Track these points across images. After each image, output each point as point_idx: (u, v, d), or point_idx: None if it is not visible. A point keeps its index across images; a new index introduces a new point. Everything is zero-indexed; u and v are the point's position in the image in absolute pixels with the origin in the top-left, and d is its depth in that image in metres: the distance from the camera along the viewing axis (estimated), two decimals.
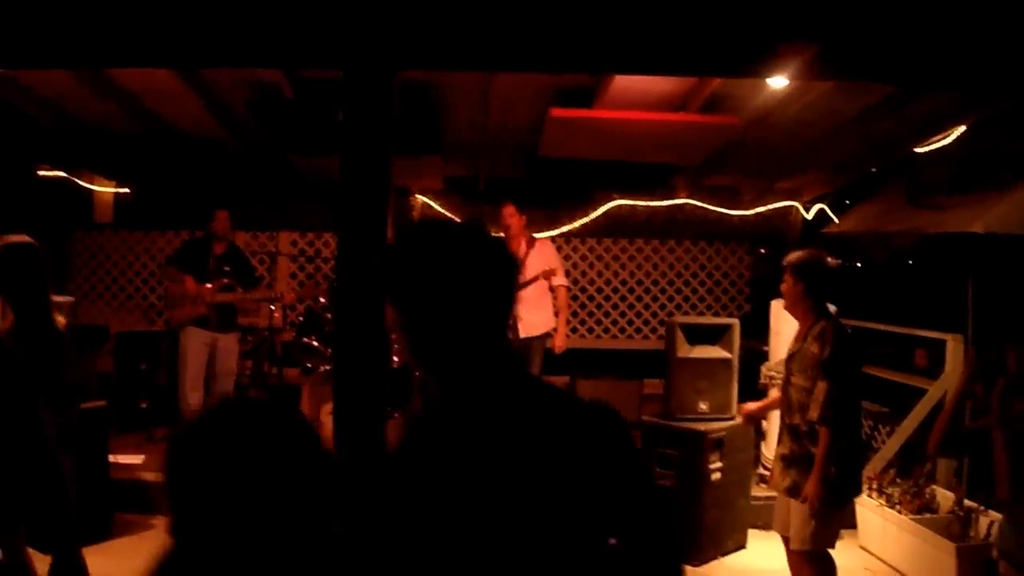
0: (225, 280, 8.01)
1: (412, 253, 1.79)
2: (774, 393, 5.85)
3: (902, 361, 8.16)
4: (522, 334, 7.72)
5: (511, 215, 7.92)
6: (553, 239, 10.24)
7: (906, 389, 7.71)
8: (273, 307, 9.01)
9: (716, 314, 10.52)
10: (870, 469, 6.83)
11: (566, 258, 10.49)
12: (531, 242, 7.81)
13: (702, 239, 10.62)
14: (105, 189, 9.97)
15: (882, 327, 8.56)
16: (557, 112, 6.85)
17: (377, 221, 4.57)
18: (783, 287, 5.02)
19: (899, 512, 6.37)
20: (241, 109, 7.44)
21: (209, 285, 7.90)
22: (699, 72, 5.74)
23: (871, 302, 9.13)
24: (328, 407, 8.15)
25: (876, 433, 8.24)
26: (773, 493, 5.31)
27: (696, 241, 10.64)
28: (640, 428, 6.69)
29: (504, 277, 1.79)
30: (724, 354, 6.56)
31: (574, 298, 10.55)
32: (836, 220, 9.79)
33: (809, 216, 10.07)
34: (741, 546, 6.68)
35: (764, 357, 7.78)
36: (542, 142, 7.63)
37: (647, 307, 10.61)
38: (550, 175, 9.16)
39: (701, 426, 6.28)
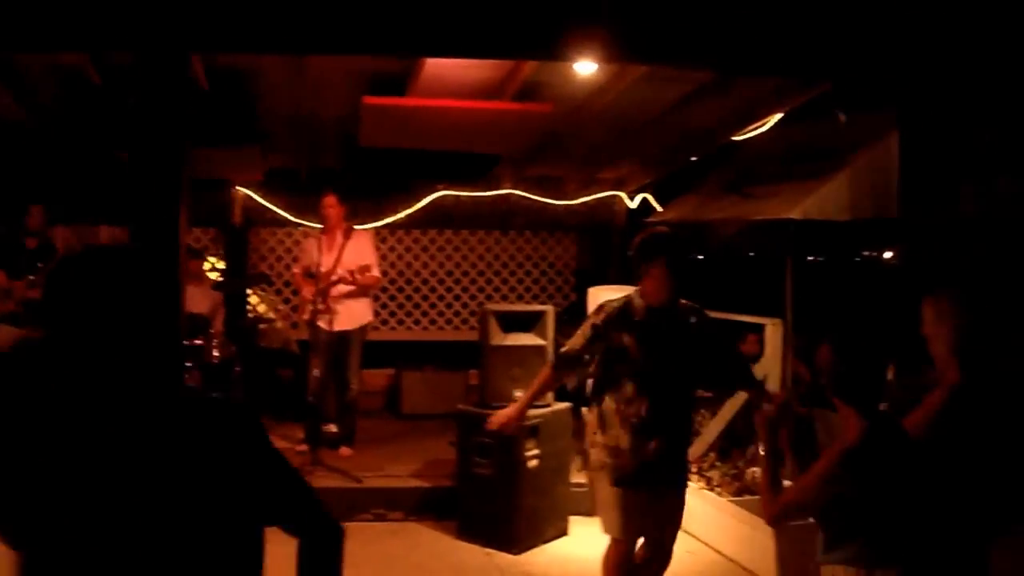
0: (32, 277, 7.61)
1: (57, 280, 1.92)
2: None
3: None
4: (336, 327, 7.56)
5: (331, 205, 7.77)
6: (378, 231, 10.13)
7: None
8: None
9: (543, 304, 10.55)
10: (691, 453, 6.92)
11: (391, 249, 10.41)
12: (348, 233, 7.65)
13: (528, 229, 10.64)
14: None
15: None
16: (371, 100, 6.75)
17: (168, 213, 4.38)
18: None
19: (719, 494, 6.50)
20: (50, 98, 7.10)
21: (19, 282, 7.50)
22: (503, 54, 5.75)
23: (699, 290, 9.30)
24: None
25: (700, 418, 8.39)
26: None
27: (522, 231, 10.66)
28: (456, 418, 6.63)
29: (139, 299, 1.92)
30: (538, 341, 6.57)
31: (400, 290, 10.47)
32: (660, 209, 9.94)
33: (633, 205, 10.22)
34: (563, 533, 6.69)
35: None
36: (361, 132, 7.51)
37: (473, 298, 10.57)
38: (374, 166, 9.04)
39: None
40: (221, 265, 10.16)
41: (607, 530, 4.71)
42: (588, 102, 7.15)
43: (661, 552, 4.84)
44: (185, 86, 4.83)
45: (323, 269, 7.56)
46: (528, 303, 10.44)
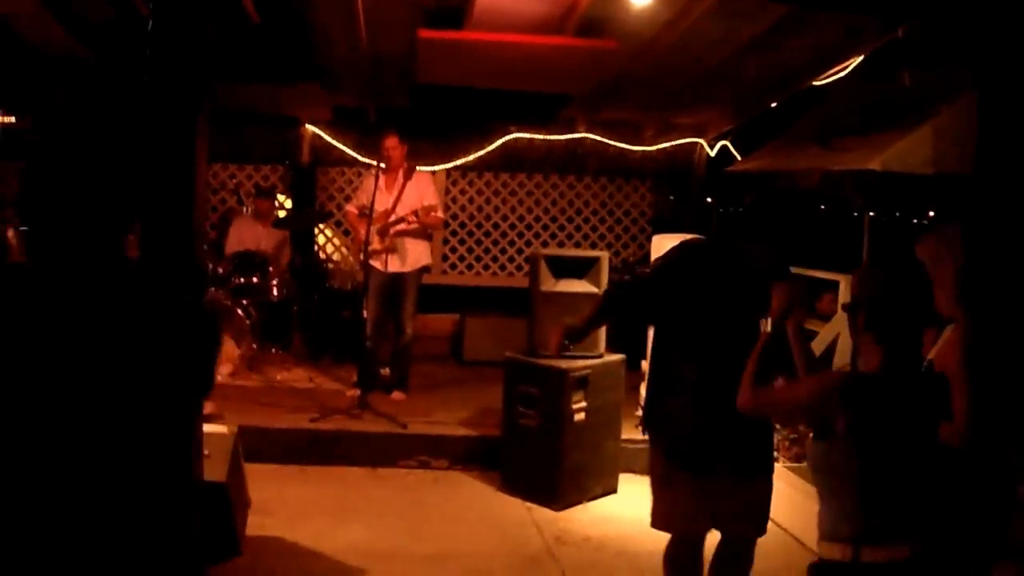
0: None
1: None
2: None
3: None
4: (391, 268, 7.40)
5: (393, 147, 7.55)
6: (448, 172, 9.93)
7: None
8: None
9: (616, 253, 10.25)
10: None
11: (462, 192, 10.18)
12: (409, 173, 7.45)
13: (602, 175, 10.28)
14: None
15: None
16: (426, 34, 6.47)
17: (183, 141, 4.16)
18: None
19: (776, 460, 6.12)
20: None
21: None
22: None
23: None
24: None
25: None
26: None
27: (596, 177, 10.30)
28: (503, 365, 6.40)
29: None
30: (591, 288, 6.27)
31: (470, 234, 10.25)
32: (739, 158, 9.53)
33: (712, 153, 9.80)
34: (611, 491, 6.44)
35: None
36: (418, 67, 7.25)
37: (545, 244, 10.24)
38: (442, 105, 8.81)
39: (563, 363, 5.98)
40: (289, 204, 10.06)
41: (654, 522, 4.04)
42: (655, 40, 6.77)
43: (743, 550, 4.11)
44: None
45: (381, 208, 7.38)
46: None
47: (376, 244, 7.39)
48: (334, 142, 9.52)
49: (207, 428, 4.71)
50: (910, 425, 2.73)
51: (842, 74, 7.39)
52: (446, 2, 6.41)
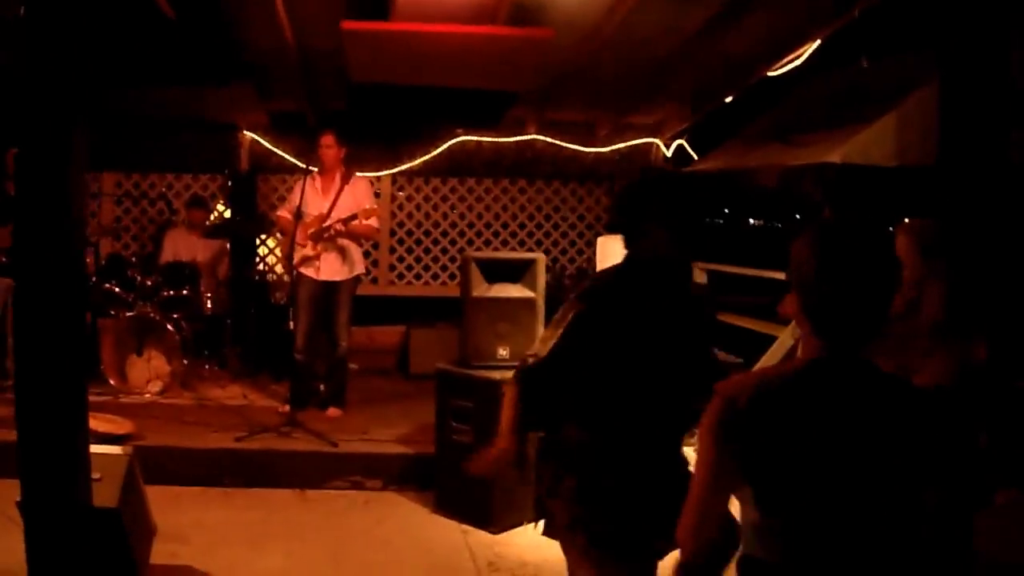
0: None
1: None
2: None
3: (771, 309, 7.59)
4: (323, 276, 6.96)
5: (328, 145, 7.07)
6: (394, 178, 9.54)
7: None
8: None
9: (572, 260, 9.86)
10: None
11: (408, 199, 9.76)
12: (345, 177, 7.03)
13: (555, 179, 9.88)
14: None
15: (741, 271, 8.06)
16: (349, 25, 6.07)
17: (60, 142, 3.70)
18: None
19: None
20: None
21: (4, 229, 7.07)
22: None
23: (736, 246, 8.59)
24: None
25: None
26: None
27: (549, 181, 9.91)
28: (435, 377, 5.97)
29: None
30: (527, 293, 5.83)
31: (417, 242, 9.85)
32: (696, 158, 9.18)
33: (669, 154, 9.45)
34: None
35: None
36: (349, 64, 6.84)
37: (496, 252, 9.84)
38: (383, 108, 8.40)
39: (498, 375, 5.54)
40: (228, 214, 9.64)
41: None
42: (597, 28, 6.42)
43: None
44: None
45: (315, 213, 6.96)
46: (556, 259, 9.76)
47: (308, 250, 6.96)
48: (273, 148, 9.12)
49: (99, 449, 4.32)
50: (842, 455, 2.01)
51: (798, 62, 7.03)
52: None
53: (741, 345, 7.31)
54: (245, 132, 9.17)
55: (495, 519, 5.61)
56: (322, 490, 6.23)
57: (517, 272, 5.90)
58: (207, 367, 8.16)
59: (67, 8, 3.56)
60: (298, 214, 6.81)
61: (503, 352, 5.75)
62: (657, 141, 9.44)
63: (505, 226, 9.91)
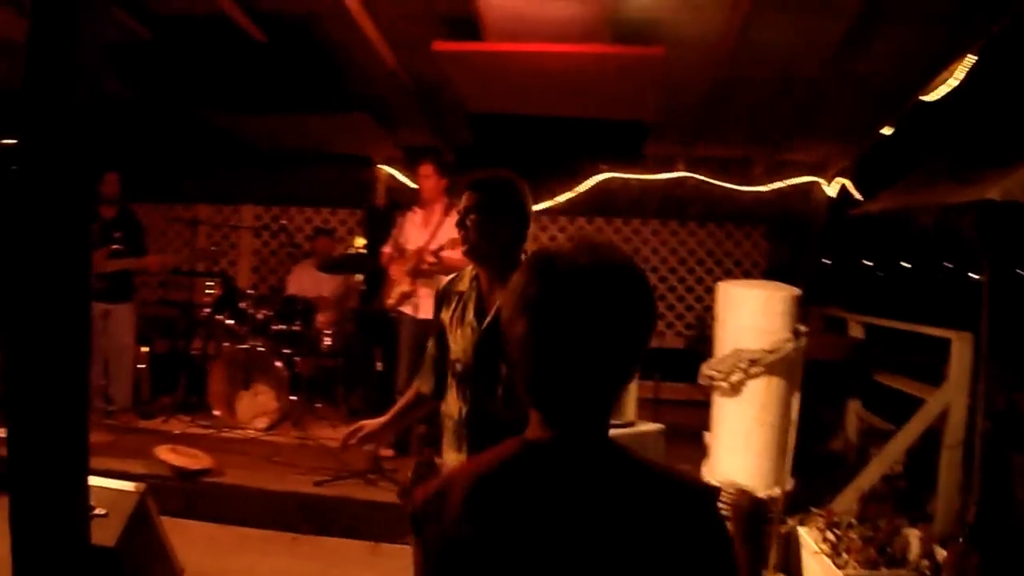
0: (114, 247, 7.13)
1: None
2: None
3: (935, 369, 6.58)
4: (421, 315, 6.48)
5: (427, 175, 6.68)
6: (537, 218, 9.06)
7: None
8: (212, 282, 8.27)
9: None
10: (838, 504, 5.26)
11: (551, 239, 9.26)
12: (447, 210, 6.59)
13: (709, 220, 9.17)
14: None
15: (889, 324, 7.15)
16: (441, 46, 5.70)
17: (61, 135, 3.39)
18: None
19: (843, 564, 4.71)
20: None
21: (97, 252, 7.02)
22: None
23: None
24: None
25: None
26: None
27: (702, 222, 9.20)
28: None
29: None
30: None
31: None
32: (860, 198, 8.29)
33: (832, 193, 8.59)
34: None
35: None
36: (461, 92, 6.47)
37: None
38: (512, 141, 7.96)
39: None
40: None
41: None
42: (712, 44, 5.79)
43: None
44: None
45: (413, 247, 6.57)
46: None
47: (406, 286, 6.56)
48: (407, 182, 8.83)
49: (108, 484, 4.13)
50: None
51: (954, 83, 6.16)
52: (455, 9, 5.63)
53: (895, 409, 6.39)
54: (381, 167, 8.93)
55: None
56: (398, 545, 5.77)
57: None
58: (319, 405, 7.88)
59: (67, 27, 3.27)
60: (398, 249, 6.45)
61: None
62: (819, 180, 8.61)
63: (654, 270, 9.26)
